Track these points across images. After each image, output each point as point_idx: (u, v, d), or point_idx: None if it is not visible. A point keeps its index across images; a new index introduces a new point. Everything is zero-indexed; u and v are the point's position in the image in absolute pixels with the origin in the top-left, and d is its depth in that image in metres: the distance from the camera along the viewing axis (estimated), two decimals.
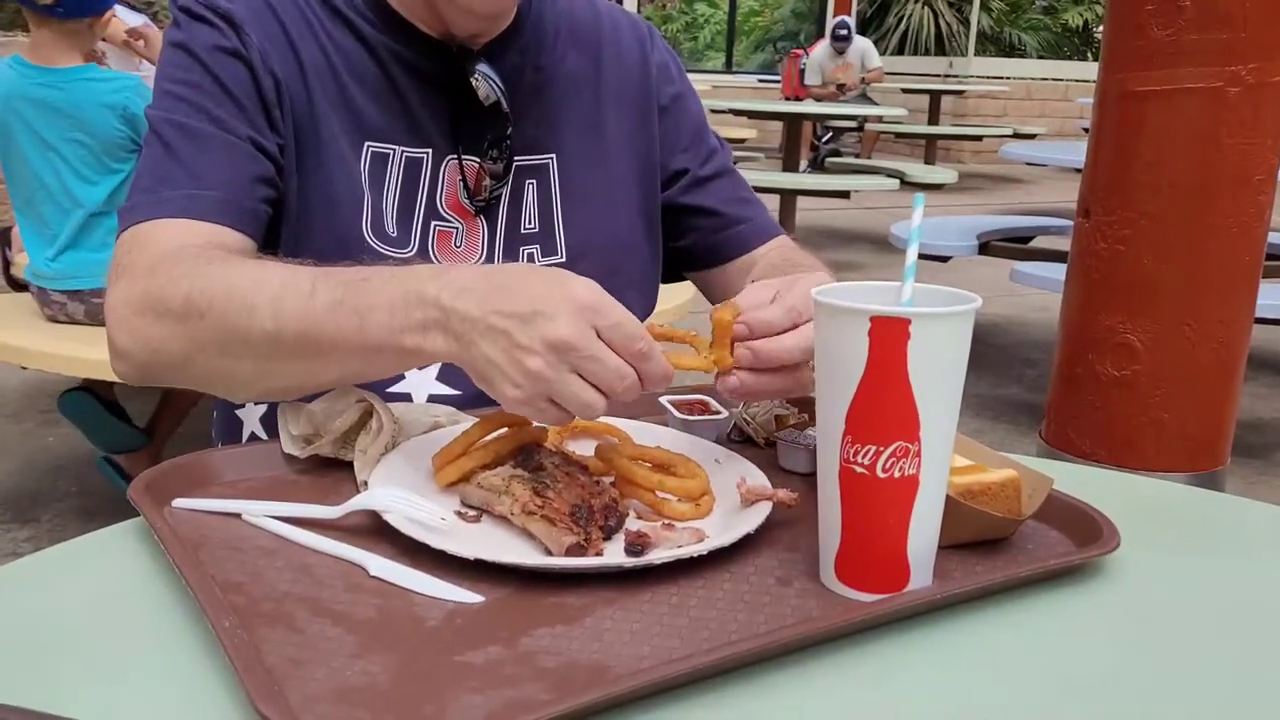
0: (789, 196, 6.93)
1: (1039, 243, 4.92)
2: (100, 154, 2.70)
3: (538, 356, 0.74)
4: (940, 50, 15.00)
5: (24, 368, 2.91)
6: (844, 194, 7.14)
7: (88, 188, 2.72)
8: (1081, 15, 16.62)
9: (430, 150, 1.07)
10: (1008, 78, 12.66)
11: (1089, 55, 15.78)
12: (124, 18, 3.63)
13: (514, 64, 1.11)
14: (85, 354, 2.52)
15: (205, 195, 0.96)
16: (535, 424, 0.89)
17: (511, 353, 0.75)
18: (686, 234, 1.23)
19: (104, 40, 3.30)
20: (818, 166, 9.99)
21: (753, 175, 6.85)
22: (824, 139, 10.48)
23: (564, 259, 1.11)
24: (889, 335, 0.67)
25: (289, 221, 1.03)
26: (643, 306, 1.15)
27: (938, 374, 0.69)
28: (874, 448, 0.69)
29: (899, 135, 11.55)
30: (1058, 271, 2.87)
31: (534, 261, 1.10)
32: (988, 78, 12.65)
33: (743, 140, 10.71)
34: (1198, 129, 1.91)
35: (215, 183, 0.97)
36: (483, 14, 1.06)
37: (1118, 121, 2.00)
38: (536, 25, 1.14)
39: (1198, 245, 1.95)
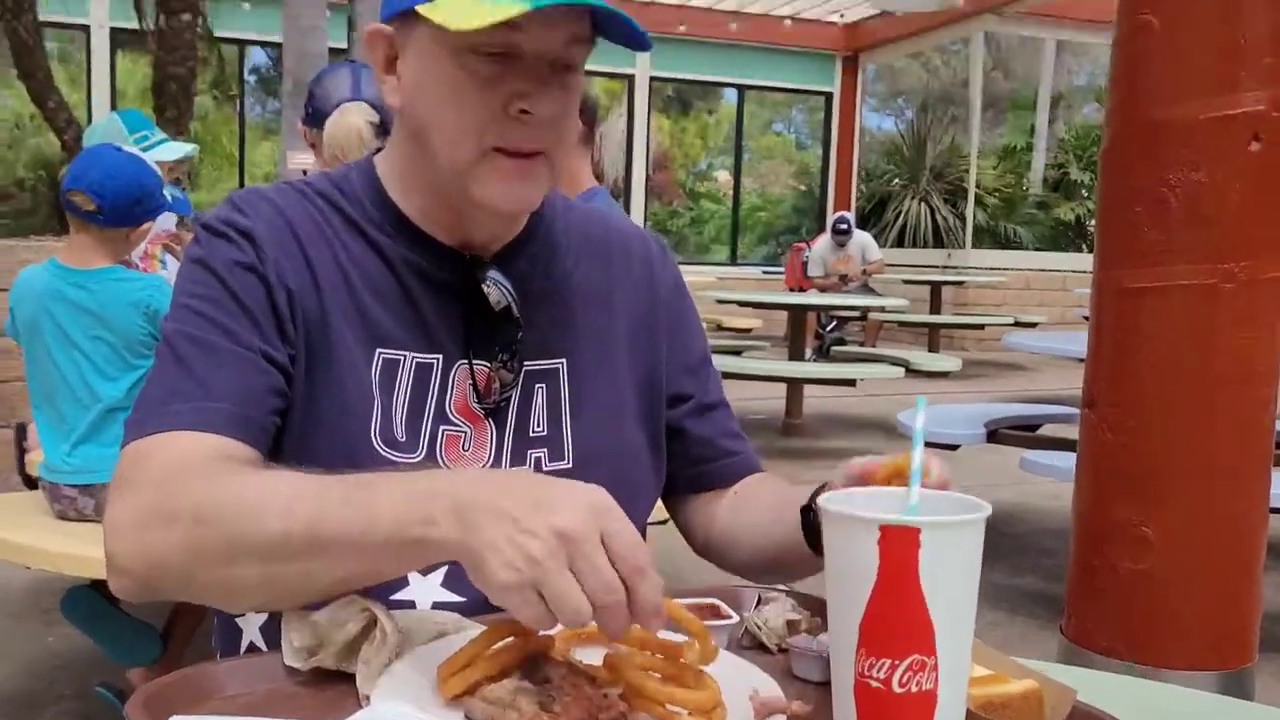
0: (796, 385, 7.00)
1: (1047, 430, 4.92)
2: (122, 350, 2.76)
3: (540, 541, 0.75)
4: (938, 243, 15.44)
5: (28, 567, 2.88)
6: (850, 381, 7.21)
7: (107, 383, 2.76)
8: (1074, 210, 17.18)
9: (441, 356, 1.10)
10: (1005, 269, 12.97)
11: (1084, 247, 16.20)
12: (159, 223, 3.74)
13: (523, 270, 1.14)
14: (92, 553, 2.49)
15: (214, 408, 0.98)
16: (540, 632, 0.88)
17: (514, 536, 0.76)
18: (673, 458, 1.22)
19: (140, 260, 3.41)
20: (823, 354, 10.12)
21: (759, 364, 6.95)
22: (829, 327, 10.67)
23: (570, 464, 1.11)
24: (900, 544, 0.67)
25: (293, 427, 1.04)
26: (645, 517, 1.15)
27: (951, 583, 0.68)
28: (889, 661, 0.67)
29: (902, 323, 11.75)
30: (1067, 460, 2.86)
31: (540, 465, 1.11)
32: (985, 269, 12.98)
33: (748, 329, 10.90)
34: (1194, 325, 1.94)
35: (224, 395, 0.99)
36: (507, 212, 1.10)
37: (1115, 317, 2.04)
38: (548, 234, 1.18)
39: (1204, 438, 1.95)
